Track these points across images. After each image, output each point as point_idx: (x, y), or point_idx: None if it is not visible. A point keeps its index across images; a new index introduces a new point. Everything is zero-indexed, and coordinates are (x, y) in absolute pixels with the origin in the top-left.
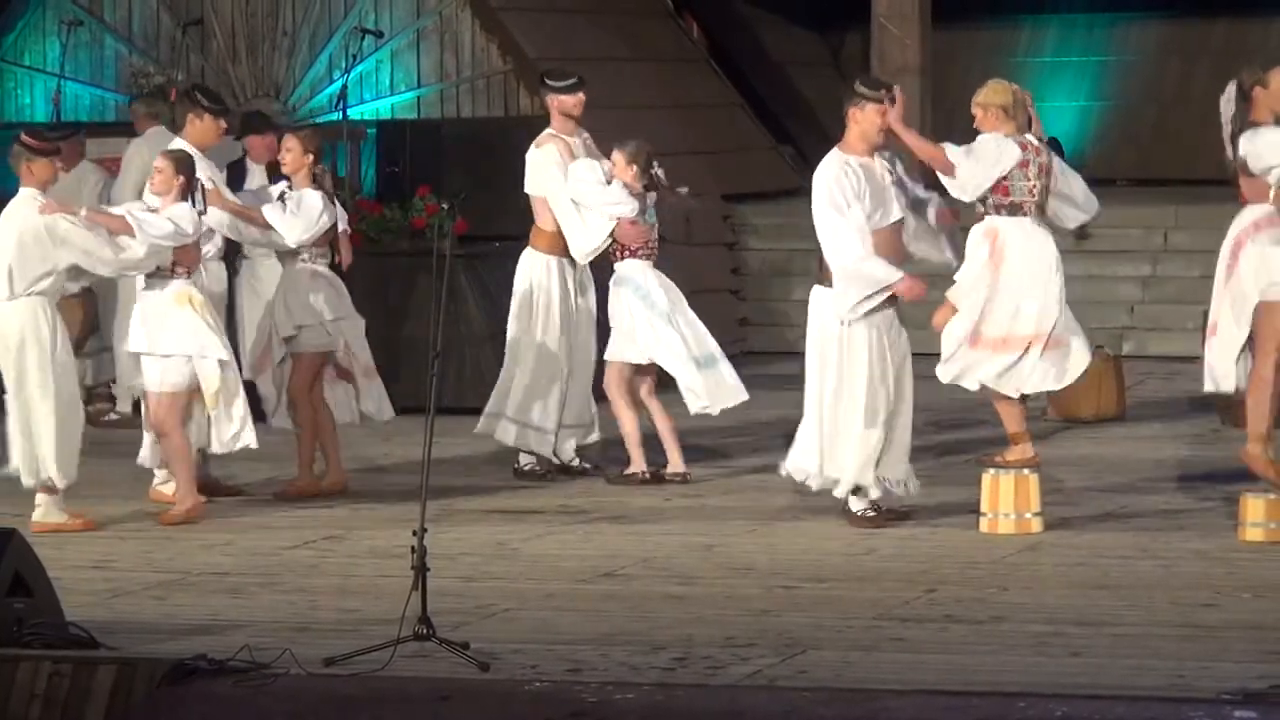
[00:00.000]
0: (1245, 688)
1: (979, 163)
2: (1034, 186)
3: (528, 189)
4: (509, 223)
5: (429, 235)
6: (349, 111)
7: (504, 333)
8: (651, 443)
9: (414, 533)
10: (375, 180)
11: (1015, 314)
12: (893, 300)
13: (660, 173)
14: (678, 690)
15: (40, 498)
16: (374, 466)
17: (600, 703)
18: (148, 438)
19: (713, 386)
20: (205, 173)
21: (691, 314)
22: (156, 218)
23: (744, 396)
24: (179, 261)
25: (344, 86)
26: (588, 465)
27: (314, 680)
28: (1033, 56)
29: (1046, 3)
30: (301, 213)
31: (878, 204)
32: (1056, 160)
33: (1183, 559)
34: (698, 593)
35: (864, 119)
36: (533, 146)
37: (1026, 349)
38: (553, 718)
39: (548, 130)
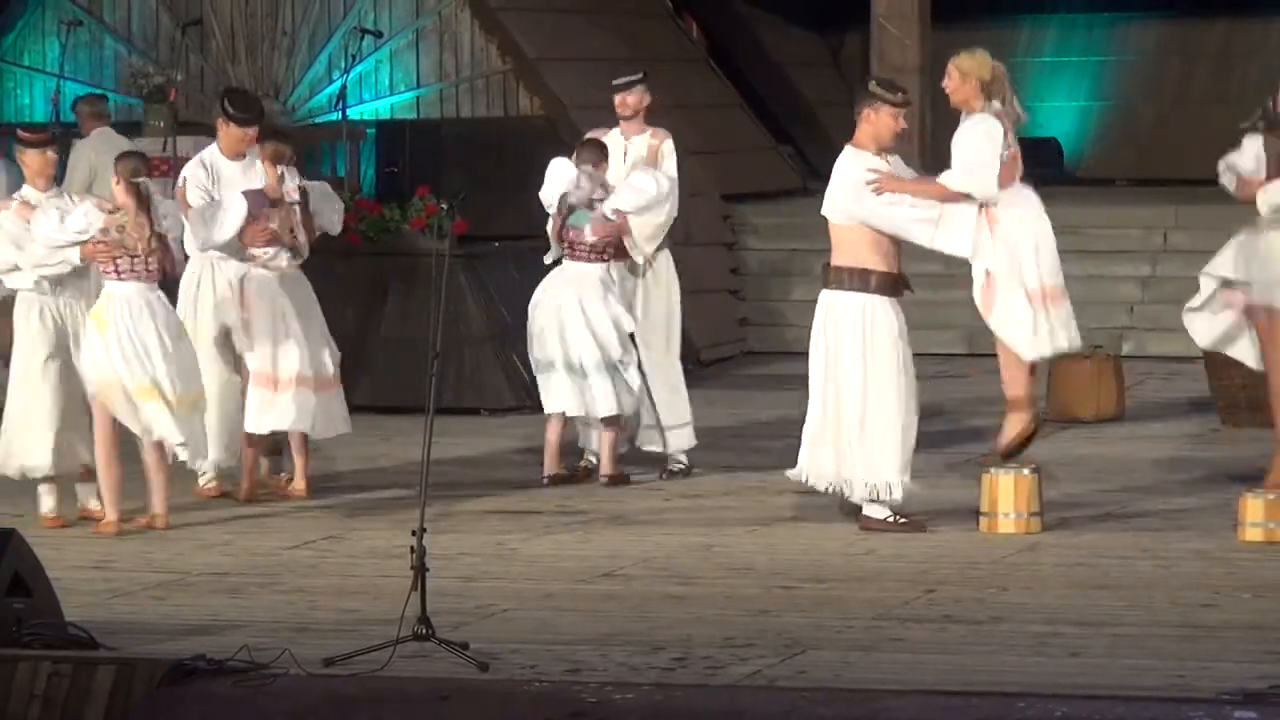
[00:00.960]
0: (1245, 688)
1: (980, 163)
2: (1014, 151)
3: None
4: (509, 223)
5: (428, 235)
6: (348, 111)
7: (503, 333)
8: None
9: (413, 533)
10: (374, 180)
11: (1032, 266)
12: (898, 292)
13: (588, 174)
14: (677, 690)
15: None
16: (373, 466)
17: (600, 703)
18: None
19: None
20: (196, 179)
21: (598, 320)
22: (49, 215)
23: (560, 408)
24: (89, 258)
25: (343, 86)
26: (681, 464)
27: (313, 680)
28: (1032, 56)
29: (1046, 2)
30: (215, 219)
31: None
32: None
33: (1183, 559)
34: (697, 593)
35: (878, 121)
36: None
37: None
38: (552, 718)
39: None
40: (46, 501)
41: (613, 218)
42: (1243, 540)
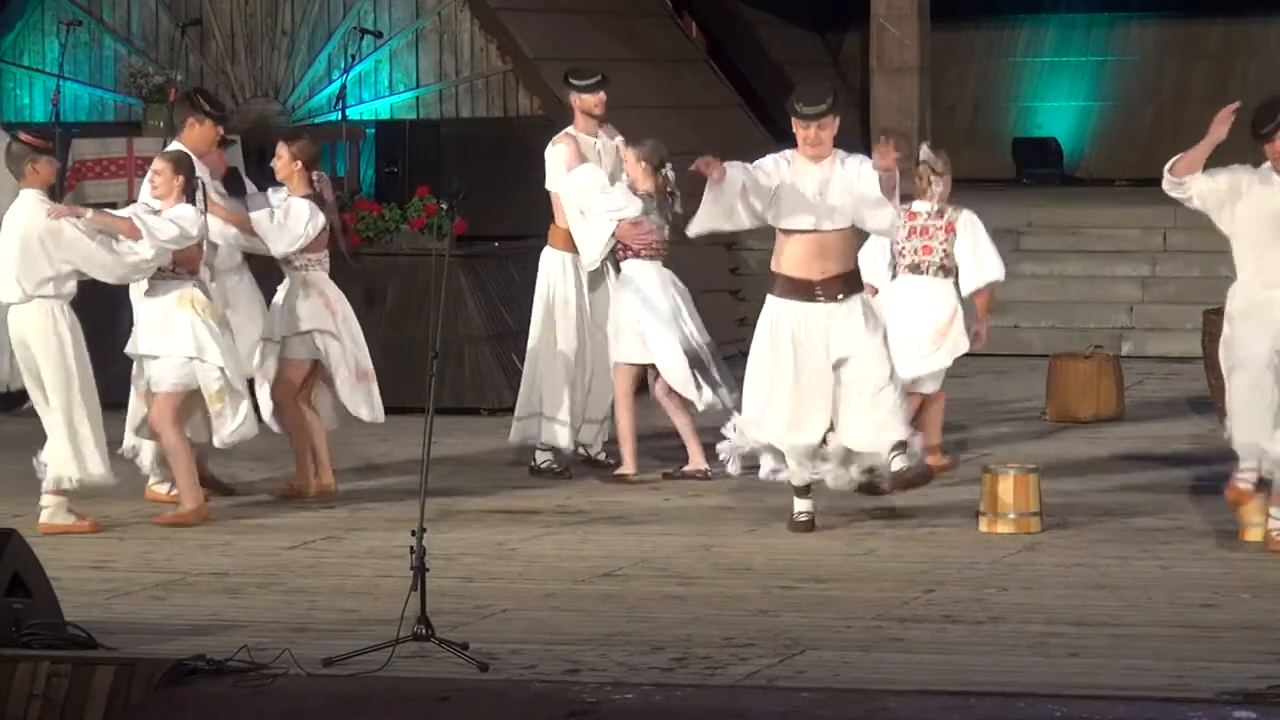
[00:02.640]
0: (1245, 688)
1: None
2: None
3: (547, 185)
4: (509, 223)
5: (428, 235)
6: (348, 111)
7: (503, 333)
8: (656, 439)
9: (413, 533)
10: (374, 180)
11: None
12: (801, 296)
13: (670, 175)
14: (677, 690)
15: (48, 499)
16: (373, 466)
17: (599, 703)
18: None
19: (711, 384)
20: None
21: (696, 316)
22: (162, 220)
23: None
24: (179, 263)
25: (343, 86)
26: (610, 459)
27: (313, 680)
28: (1031, 56)
29: (1046, 2)
30: (289, 223)
31: (790, 206)
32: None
33: (1182, 559)
34: (696, 593)
35: (796, 130)
36: (550, 143)
37: None
38: (553, 718)
39: (566, 129)
40: (65, 514)
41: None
42: (1243, 540)
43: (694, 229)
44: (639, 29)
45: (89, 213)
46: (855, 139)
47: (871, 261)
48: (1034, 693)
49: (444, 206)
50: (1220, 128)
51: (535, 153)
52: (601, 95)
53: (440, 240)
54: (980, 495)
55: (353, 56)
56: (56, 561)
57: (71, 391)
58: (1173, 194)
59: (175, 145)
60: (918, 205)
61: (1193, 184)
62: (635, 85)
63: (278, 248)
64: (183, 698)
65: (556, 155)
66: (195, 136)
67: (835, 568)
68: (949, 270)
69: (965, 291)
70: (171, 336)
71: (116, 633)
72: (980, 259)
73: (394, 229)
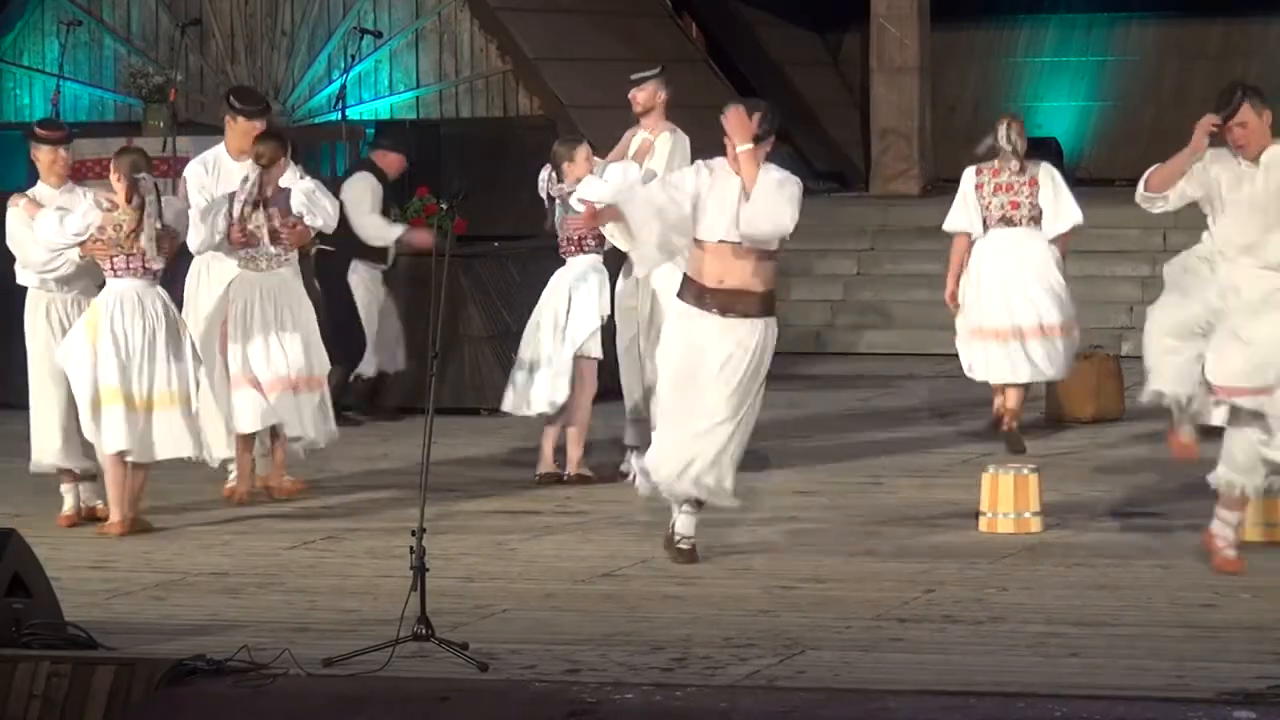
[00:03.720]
0: (1245, 688)
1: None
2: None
3: None
4: (509, 223)
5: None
6: (348, 111)
7: (503, 333)
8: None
9: (413, 533)
10: None
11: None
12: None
13: (552, 178)
14: (676, 690)
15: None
16: (373, 467)
17: (599, 703)
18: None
19: (521, 391)
20: (196, 178)
21: (570, 315)
22: (50, 217)
23: (528, 411)
24: (96, 259)
25: (343, 86)
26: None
27: (313, 680)
28: (1031, 56)
29: (1046, 2)
30: (207, 220)
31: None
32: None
33: (1182, 559)
34: (696, 593)
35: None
36: None
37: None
38: (552, 718)
39: None
40: (66, 500)
41: (579, 209)
42: (1243, 540)
43: (640, 270)
44: (639, 29)
45: (22, 201)
46: (855, 139)
47: (965, 214)
48: (1034, 693)
49: (444, 206)
50: (1202, 137)
51: (535, 153)
52: (635, 93)
53: (440, 240)
54: (980, 495)
55: (353, 56)
56: (56, 561)
57: (44, 377)
58: (1146, 206)
59: (217, 148)
60: (999, 163)
61: (1170, 195)
62: None
63: (190, 243)
64: (183, 698)
65: None
66: (231, 137)
67: (835, 568)
68: (1037, 219)
69: (1048, 236)
70: None
71: (116, 633)
72: (1060, 206)
73: None
